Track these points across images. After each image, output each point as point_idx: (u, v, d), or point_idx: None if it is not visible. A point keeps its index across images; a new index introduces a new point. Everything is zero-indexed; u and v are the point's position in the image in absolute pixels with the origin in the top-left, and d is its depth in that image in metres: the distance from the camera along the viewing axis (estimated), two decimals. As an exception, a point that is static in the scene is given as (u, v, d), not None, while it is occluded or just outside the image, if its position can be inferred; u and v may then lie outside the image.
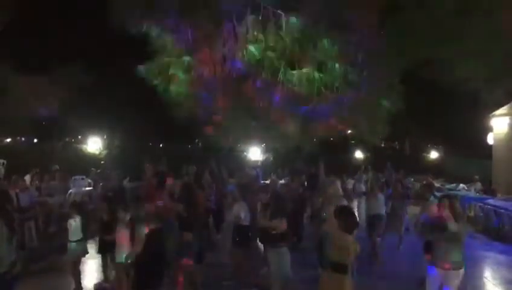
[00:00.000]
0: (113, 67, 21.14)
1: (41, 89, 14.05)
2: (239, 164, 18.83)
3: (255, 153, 21.84)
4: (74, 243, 7.36)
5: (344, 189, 12.20)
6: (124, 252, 6.49)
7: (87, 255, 7.79)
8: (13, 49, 14.07)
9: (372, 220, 9.85)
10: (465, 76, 12.69)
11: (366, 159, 27.37)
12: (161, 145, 25.93)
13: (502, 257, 10.75)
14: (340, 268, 5.03)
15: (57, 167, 13.78)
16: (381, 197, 10.21)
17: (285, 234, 6.60)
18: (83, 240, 7.53)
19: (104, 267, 7.79)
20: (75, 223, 7.37)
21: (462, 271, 5.82)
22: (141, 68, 13.63)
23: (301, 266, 7.79)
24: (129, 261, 6.16)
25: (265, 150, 22.88)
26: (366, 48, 11.86)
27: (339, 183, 8.27)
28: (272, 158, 24.24)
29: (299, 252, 8.66)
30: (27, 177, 12.38)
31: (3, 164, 16.20)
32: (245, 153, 23.02)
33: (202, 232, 8.31)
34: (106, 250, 7.46)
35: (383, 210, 10.12)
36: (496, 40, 11.55)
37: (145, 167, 9.97)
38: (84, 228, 7.50)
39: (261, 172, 15.01)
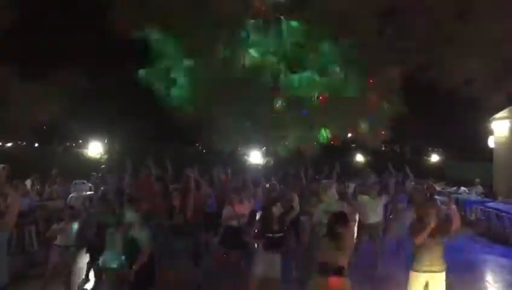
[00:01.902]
0: (114, 71, 21.15)
1: (41, 93, 14.06)
2: (240, 167, 18.80)
3: (255, 157, 21.83)
4: (61, 249, 7.06)
5: (344, 193, 12.03)
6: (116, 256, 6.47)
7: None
8: (13, 54, 14.10)
9: (370, 227, 9.55)
10: (465, 79, 12.72)
11: (366, 162, 27.32)
12: (157, 148, 25.86)
13: (503, 260, 10.69)
14: (331, 269, 5.05)
15: (57, 171, 13.74)
16: (379, 202, 9.92)
17: (285, 239, 6.58)
18: (74, 247, 7.26)
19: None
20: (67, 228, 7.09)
21: None
22: (142, 72, 13.67)
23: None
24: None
25: (266, 154, 22.88)
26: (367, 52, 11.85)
27: (334, 187, 8.14)
28: (272, 162, 24.21)
29: (297, 255, 8.62)
30: (28, 182, 12.37)
31: (3, 168, 16.15)
32: (246, 157, 23.00)
33: (199, 236, 8.30)
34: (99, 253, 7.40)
35: (380, 216, 9.83)
36: (495, 44, 11.56)
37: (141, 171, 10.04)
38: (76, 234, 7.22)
39: (260, 176, 14.91)
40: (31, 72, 14.48)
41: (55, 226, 7.18)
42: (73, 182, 14.21)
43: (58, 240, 7.01)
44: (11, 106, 13.55)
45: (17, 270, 8.54)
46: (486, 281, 9.21)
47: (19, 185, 10.20)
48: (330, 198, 7.61)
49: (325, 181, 9.10)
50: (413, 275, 5.84)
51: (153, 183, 9.12)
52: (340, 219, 5.26)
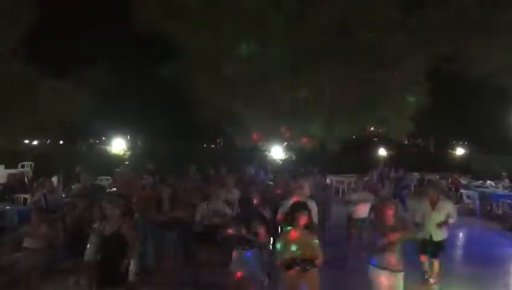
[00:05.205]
0: (137, 68, 21.40)
1: (67, 92, 14.28)
2: (261, 162, 18.85)
3: (277, 152, 21.77)
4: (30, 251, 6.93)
5: (326, 186, 11.74)
6: None
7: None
8: (39, 52, 14.33)
9: (355, 222, 9.56)
10: (492, 70, 12.44)
11: (389, 156, 26.99)
12: (178, 145, 25.98)
13: (532, 255, 10.49)
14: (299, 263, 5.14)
15: (80, 168, 13.95)
16: (368, 197, 9.82)
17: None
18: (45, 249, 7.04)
19: None
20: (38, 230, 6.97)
21: None
22: (165, 69, 13.76)
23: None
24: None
25: (288, 149, 22.78)
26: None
27: (307, 185, 8.02)
28: (294, 157, 24.08)
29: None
30: (54, 179, 12.59)
31: (30, 166, 16.58)
32: (267, 152, 22.93)
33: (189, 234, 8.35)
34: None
35: (365, 212, 9.66)
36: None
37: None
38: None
39: (260, 170, 14.82)
40: (56, 70, 14.72)
41: (24, 228, 7.05)
42: (98, 179, 14.43)
43: (27, 242, 6.89)
44: (38, 104, 13.79)
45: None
46: (516, 275, 9.06)
47: (46, 182, 10.38)
48: (302, 194, 7.52)
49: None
50: (372, 271, 5.76)
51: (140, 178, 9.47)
52: (297, 210, 5.41)
